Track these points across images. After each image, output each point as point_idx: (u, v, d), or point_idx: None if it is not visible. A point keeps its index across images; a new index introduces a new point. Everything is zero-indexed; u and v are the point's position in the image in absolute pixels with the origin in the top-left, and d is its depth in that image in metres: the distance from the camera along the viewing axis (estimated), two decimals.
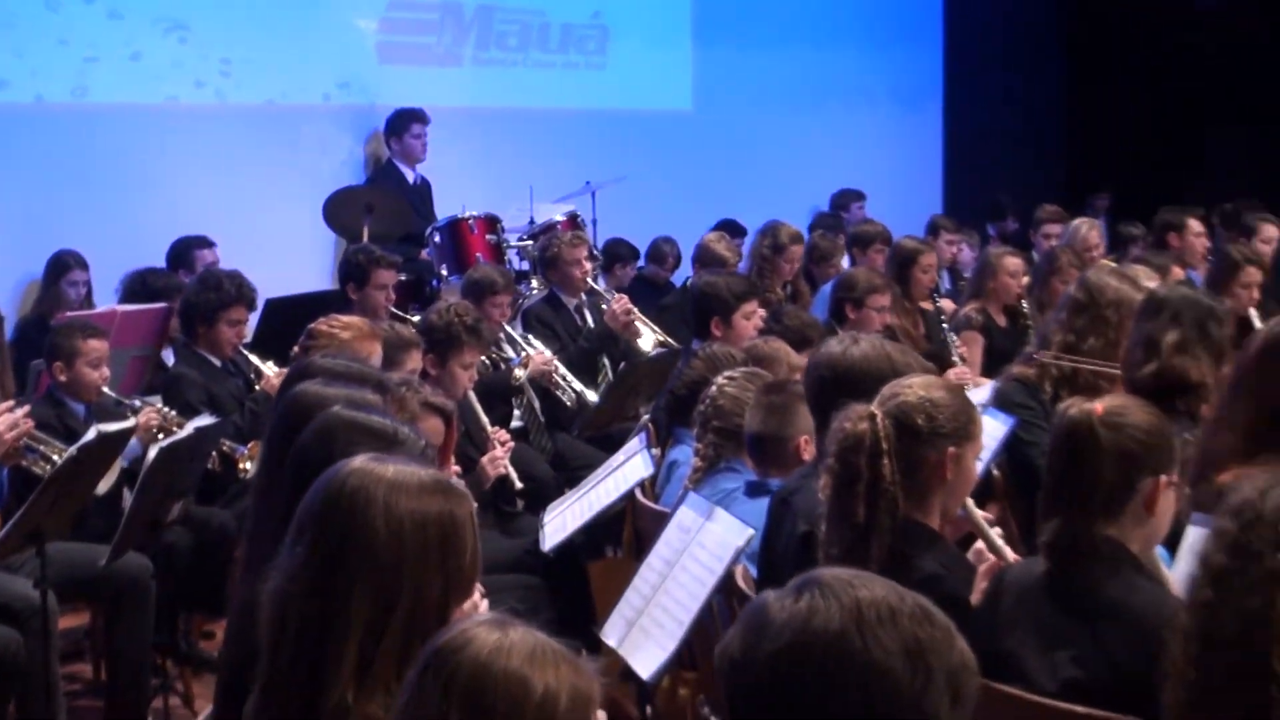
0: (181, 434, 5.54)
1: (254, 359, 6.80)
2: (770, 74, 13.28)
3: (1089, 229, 9.30)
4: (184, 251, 9.01)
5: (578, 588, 5.64)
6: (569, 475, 6.91)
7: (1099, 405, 3.41)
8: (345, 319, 5.52)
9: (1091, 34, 15.96)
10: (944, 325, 7.99)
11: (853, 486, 3.51)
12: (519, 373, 7.34)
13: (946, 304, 8.62)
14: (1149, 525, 3.41)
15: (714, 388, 5.01)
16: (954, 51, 14.97)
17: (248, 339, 7.10)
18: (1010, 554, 3.72)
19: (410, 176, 10.63)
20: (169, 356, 7.29)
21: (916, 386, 3.67)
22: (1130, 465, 3.36)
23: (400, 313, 7.69)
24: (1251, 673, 2.69)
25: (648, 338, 7.88)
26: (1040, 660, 3.31)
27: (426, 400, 4.46)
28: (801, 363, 5.62)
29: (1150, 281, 6.21)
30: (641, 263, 10.95)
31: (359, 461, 2.69)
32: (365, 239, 9.23)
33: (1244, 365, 4.26)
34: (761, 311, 6.91)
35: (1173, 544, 3.80)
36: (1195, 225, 9.39)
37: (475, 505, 5.52)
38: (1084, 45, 16.07)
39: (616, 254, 10.66)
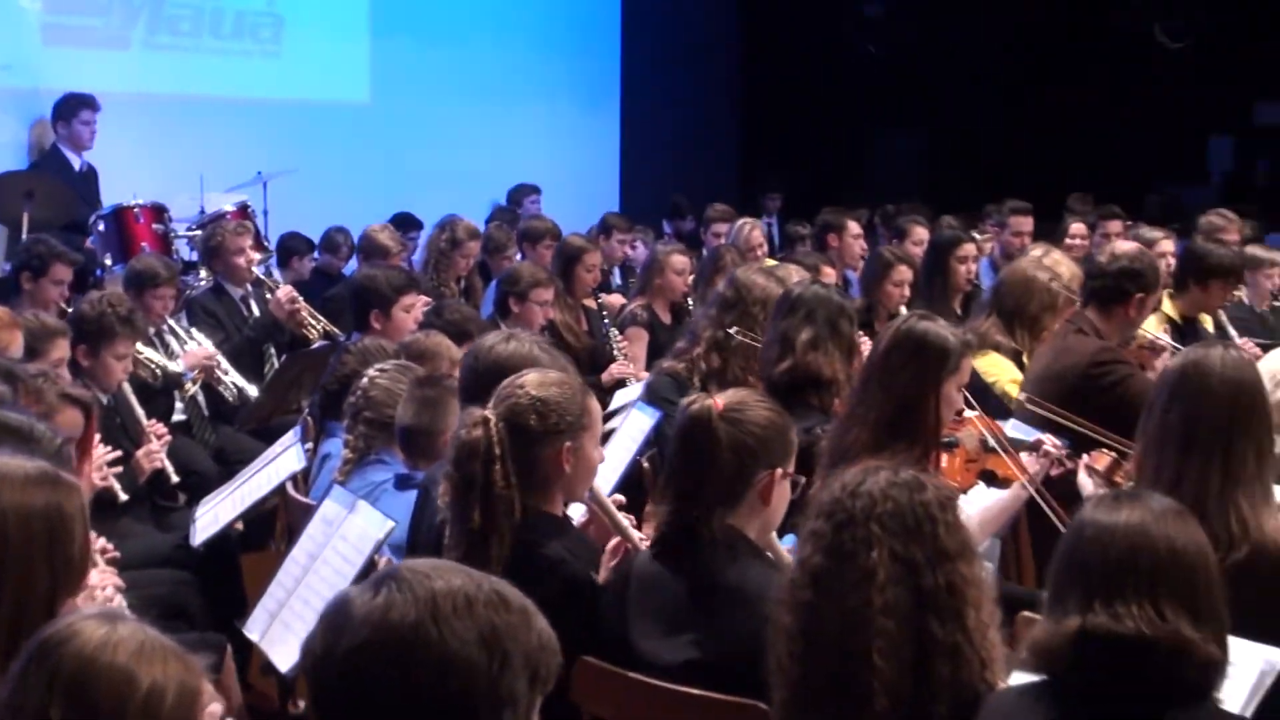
0: None
1: None
2: (449, 68, 13.30)
3: (752, 228, 9.53)
4: None
5: (229, 582, 5.59)
6: (231, 469, 6.81)
7: (719, 400, 3.56)
8: None
9: (766, 35, 16.38)
10: (606, 321, 8.12)
11: (469, 492, 3.61)
12: (190, 387, 7.23)
13: (612, 300, 8.75)
14: (765, 514, 3.57)
15: (365, 380, 5.03)
16: (631, 50, 15.22)
17: None
18: (636, 536, 3.84)
19: (76, 163, 10.31)
20: None
21: (529, 386, 3.75)
22: (747, 458, 3.52)
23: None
24: (852, 669, 2.86)
25: (315, 329, 7.81)
26: (662, 644, 3.45)
27: (65, 392, 4.37)
28: (461, 356, 5.69)
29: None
30: (318, 254, 10.84)
31: None
32: (25, 225, 8.96)
33: (874, 361, 4.47)
34: (423, 303, 6.93)
35: None
36: (853, 227, 9.73)
37: (125, 497, 5.47)
38: (759, 46, 16.49)
39: (292, 248, 10.53)
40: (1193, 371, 3.75)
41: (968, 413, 4.58)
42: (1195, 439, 3.68)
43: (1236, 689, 3.03)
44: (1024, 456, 4.71)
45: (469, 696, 2.01)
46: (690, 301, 8.23)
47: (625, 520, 3.88)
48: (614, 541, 3.82)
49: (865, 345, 5.39)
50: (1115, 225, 9.94)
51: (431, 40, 13.25)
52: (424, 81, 13.13)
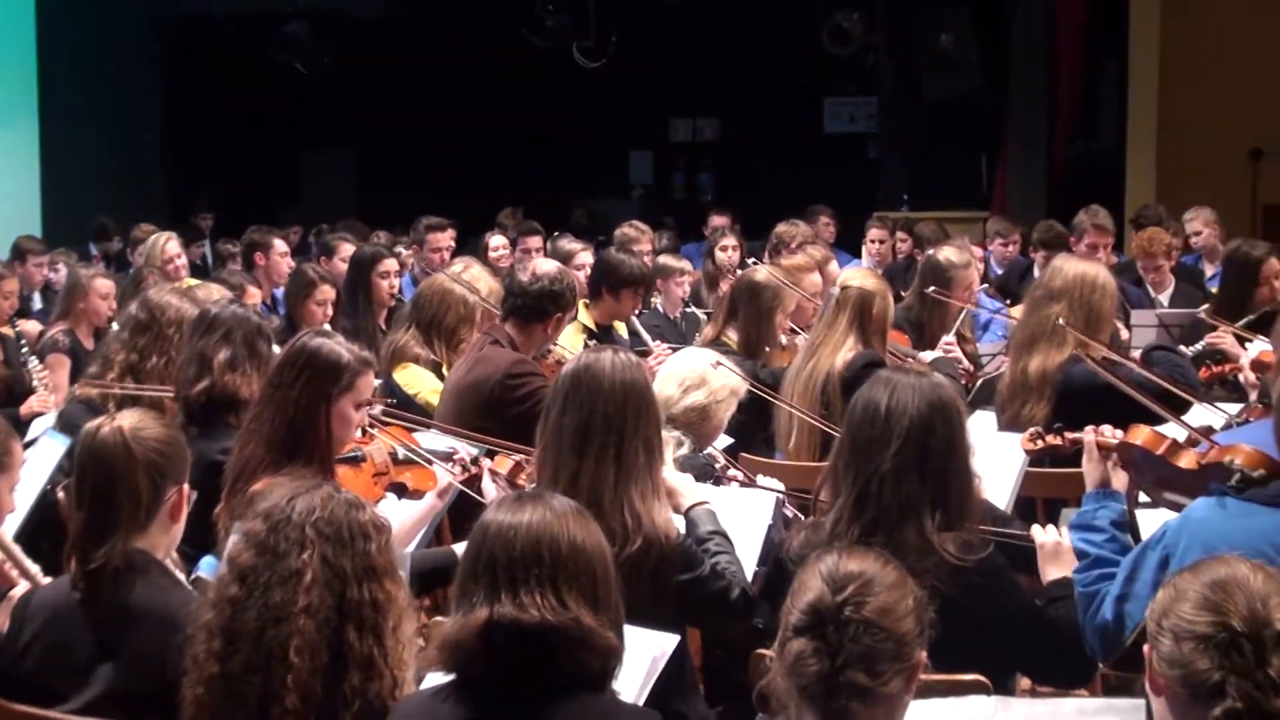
0: None
1: None
2: None
3: (167, 240, 9.27)
4: None
5: None
6: None
7: (122, 423, 3.52)
8: None
9: (188, 52, 16.16)
10: (23, 349, 7.79)
11: None
12: None
13: (28, 327, 8.41)
14: (173, 532, 3.57)
15: None
16: (49, 66, 14.69)
17: None
18: (42, 578, 3.77)
19: None
20: None
21: None
22: (158, 476, 3.51)
23: None
24: (268, 665, 2.95)
25: None
26: (73, 678, 3.39)
27: None
28: None
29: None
30: None
31: None
32: None
33: (268, 377, 4.49)
34: None
35: None
36: (280, 245, 9.62)
37: None
38: (182, 63, 16.24)
39: None
40: (585, 375, 3.95)
41: (380, 426, 4.66)
42: (590, 438, 3.88)
43: (631, 676, 3.23)
44: (438, 466, 4.81)
45: None
46: (114, 325, 7.99)
47: (30, 563, 3.79)
48: (24, 587, 3.72)
49: None
50: (535, 241, 10.29)
51: None
52: None
